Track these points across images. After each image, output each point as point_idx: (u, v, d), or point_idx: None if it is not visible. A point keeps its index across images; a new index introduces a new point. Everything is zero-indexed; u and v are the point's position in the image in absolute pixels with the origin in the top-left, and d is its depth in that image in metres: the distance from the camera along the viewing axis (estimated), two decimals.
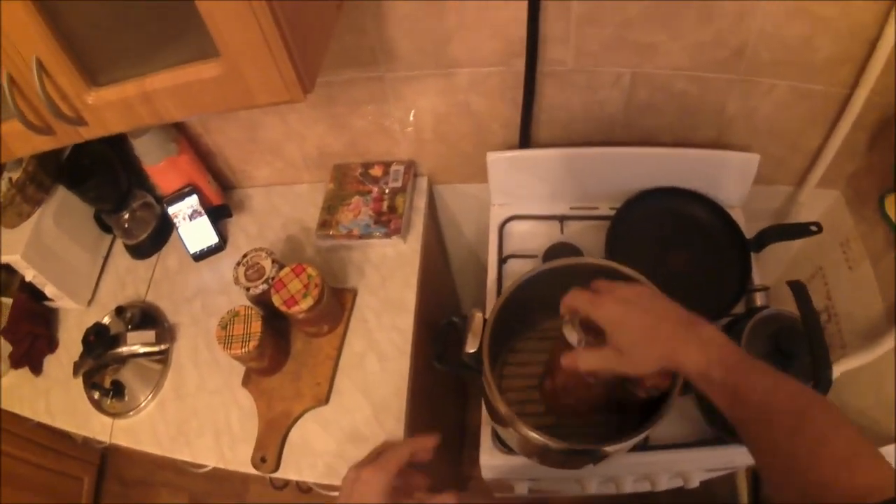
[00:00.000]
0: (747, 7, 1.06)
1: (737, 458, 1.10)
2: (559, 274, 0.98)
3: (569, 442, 0.85)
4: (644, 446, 1.07)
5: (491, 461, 1.09)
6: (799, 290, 0.97)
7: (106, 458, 2.46)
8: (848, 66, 1.13)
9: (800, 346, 0.96)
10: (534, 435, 0.86)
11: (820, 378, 0.89)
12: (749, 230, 1.28)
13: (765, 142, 1.31)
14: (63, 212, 1.42)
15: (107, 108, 0.84)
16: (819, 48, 1.11)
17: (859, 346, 1.21)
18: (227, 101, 0.81)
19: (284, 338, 1.25)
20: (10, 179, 1.34)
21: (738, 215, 1.32)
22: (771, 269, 1.67)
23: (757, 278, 1.24)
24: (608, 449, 0.87)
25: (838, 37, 1.09)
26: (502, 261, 1.31)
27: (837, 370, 1.23)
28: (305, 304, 1.12)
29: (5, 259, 1.36)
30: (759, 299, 1.16)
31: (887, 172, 1.18)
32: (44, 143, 0.92)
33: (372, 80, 1.25)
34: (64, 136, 0.90)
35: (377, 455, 0.82)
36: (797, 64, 1.15)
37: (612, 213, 1.28)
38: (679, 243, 1.26)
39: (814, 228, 1.22)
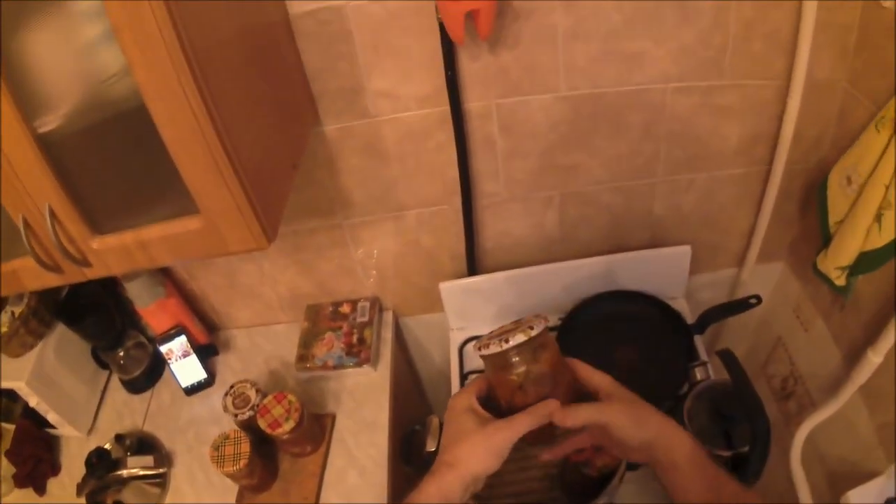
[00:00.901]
0: (652, 118, 1.20)
1: None
2: None
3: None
4: None
5: None
6: (726, 357, 1.10)
7: None
8: (761, 144, 1.25)
9: (736, 406, 1.07)
10: None
11: (757, 431, 1.00)
12: (695, 315, 1.38)
13: (697, 232, 1.43)
14: (63, 345, 1.52)
15: (109, 252, 0.96)
16: (728, 135, 1.24)
17: (825, 400, 1.28)
18: (207, 249, 0.94)
19: (272, 459, 1.36)
20: (13, 313, 1.46)
21: (680, 305, 1.44)
22: (735, 344, 1.77)
23: (705, 356, 1.33)
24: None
25: (744, 120, 1.21)
26: (464, 377, 1.44)
27: (809, 426, 1.32)
28: (288, 426, 1.24)
29: (11, 385, 1.45)
30: (700, 374, 1.24)
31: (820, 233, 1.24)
32: (52, 280, 1.02)
33: (332, 227, 1.38)
34: (71, 275, 1.01)
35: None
36: (712, 154, 1.27)
37: (559, 322, 1.40)
38: (626, 340, 1.36)
39: (753, 301, 1.32)
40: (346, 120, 1.19)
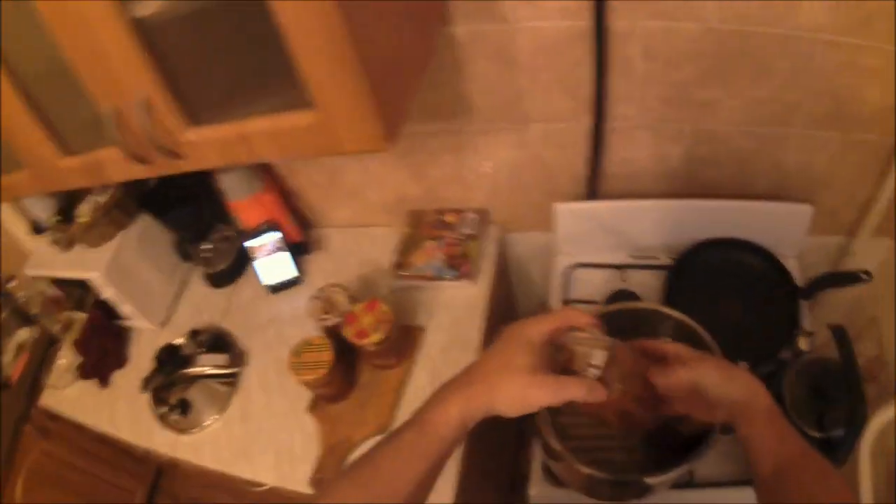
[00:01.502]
0: (800, 64, 1.11)
1: None
2: (619, 317, 1.03)
3: (614, 474, 0.91)
4: (689, 483, 1.09)
5: (540, 493, 1.14)
6: (840, 334, 1.03)
7: (160, 476, 2.51)
8: None
9: (837, 388, 1.02)
10: (582, 467, 0.91)
11: (855, 420, 0.95)
12: (804, 279, 1.32)
13: (820, 193, 1.35)
14: (145, 237, 1.51)
15: (206, 145, 0.92)
16: (868, 99, 1.15)
17: None
18: (318, 147, 0.88)
19: (353, 368, 1.32)
20: (97, 202, 1.45)
21: (792, 265, 1.36)
22: (828, 317, 1.71)
23: (807, 325, 1.27)
24: (650, 481, 0.90)
25: (885, 87, 1.12)
26: (565, 304, 1.37)
27: (885, 417, 1.23)
28: (376, 337, 1.20)
29: (86, 276, 1.45)
30: (804, 344, 1.18)
31: None
32: (141, 172, 0.99)
33: (451, 132, 1.33)
34: (162, 167, 0.97)
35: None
36: (848, 115, 1.19)
37: (671, 263, 1.34)
38: (733, 292, 1.30)
39: (864, 276, 1.24)
40: (481, 22, 1.12)
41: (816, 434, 1.02)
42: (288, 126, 0.86)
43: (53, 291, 1.65)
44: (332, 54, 0.75)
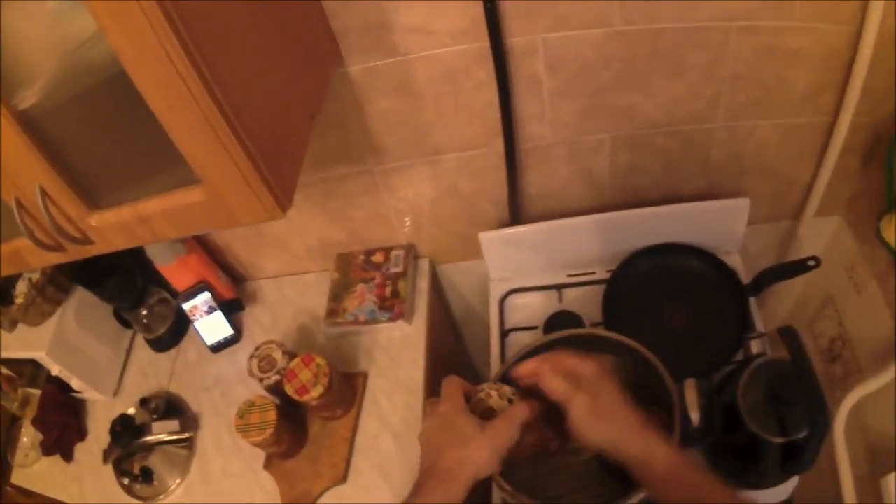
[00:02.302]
0: (714, 58, 1.08)
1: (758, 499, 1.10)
2: (558, 346, 1.00)
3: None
4: None
5: None
6: (789, 335, 0.96)
7: None
8: (828, 93, 1.14)
9: (795, 391, 0.96)
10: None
11: (816, 422, 0.89)
12: (750, 270, 1.28)
13: (756, 182, 1.32)
14: (83, 310, 1.48)
15: (109, 229, 0.89)
16: (795, 81, 1.12)
17: (875, 369, 1.19)
18: (213, 221, 0.86)
19: (301, 422, 1.29)
20: (31, 280, 1.42)
21: (735, 260, 1.33)
22: (781, 303, 1.66)
23: (759, 323, 1.24)
24: None
25: (812, 67, 1.10)
26: (504, 334, 1.34)
27: (856, 396, 1.22)
28: (316, 391, 1.16)
29: (31, 355, 1.42)
30: (755, 347, 1.14)
31: (883, 193, 1.18)
32: (56, 258, 0.96)
33: (363, 173, 1.29)
34: (73, 253, 0.95)
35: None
36: (776, 101, 1.16)
37: (607, 275, 1.30)
38: (676, 298, 1.27)
39: (811, 263, 1.21)
40: (374, 59, 1.08)
41: (780, 439, 0.95)
42: (181, 204, 0.84)
43: (6, 371, 1.62)
44: (204, 132, 0.72)
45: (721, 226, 1.30)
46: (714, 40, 1.06)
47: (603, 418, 0.79)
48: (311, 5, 0.99)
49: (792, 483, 1.07)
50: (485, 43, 1.03)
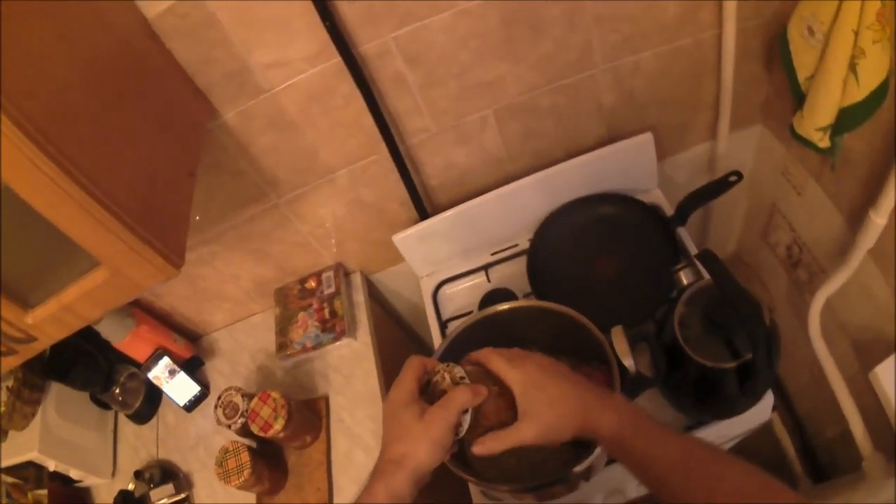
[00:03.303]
0: (572, 6, 1.11)
1: (731, 430, 1.12)
2: (487, 324, 1.03)
3: (532, 479, 0.89)
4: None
5: None
6: (705, 258, 0.96)
7: None
8: (704, 8, 1.16)
9: (730, 312, 0.95)
10: (503, 486, 0.91)
11: (756, 336, 0.89)
12: (675, 204, 1.28)
13: (658, 115, 1.34)
14: (62, 402, 1.54)
15: (44, 323, 0.94)
16: (665, 6, 1.15)
17: (835, 265, 1.20)
18: (123, 293, 0.92)
19: (277, 457, 1.36)
20: (7, 388, 1.47)
21: (656, 196, 1.35)
22: (730, 226, 1.69)
23: (693, 251, 1.24)
24: (576, 470, 0.87)
25: None
26: (443, 325, 1.37)
27: (822, 296, 1.25)
28: (279, 424, 1.23)
29: (26, 458, 1.49)
30: (686, 277, 1.16)
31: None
32: (14, 361, 1.01)
33: (270, 209, 1.34)
34: (25, 353, 0.99)
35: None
36: (651, 30, 1.18)
37: (529, 244, 1.33)
38: (603, 249, 1.29)
39: (733, 178, 1.21)
40: (243, 102, 1.14)
41: (729, 364, 0.95)
42: (92, 286, 0.90)
43: (11, 479, 1.69)
44: (85, 220, 0.78)
45: (631, 166, 1.31)
46: None
47: (542, 390, 0.80)
48: (171, 69, 1.05)
49: (766, 403, 1.08)
50: (338, 59, 1.08)
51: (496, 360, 0.84)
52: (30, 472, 1.63)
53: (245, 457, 1.25)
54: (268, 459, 1.31)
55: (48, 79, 0.78)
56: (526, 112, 1.27)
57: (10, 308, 0.91)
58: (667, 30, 1.19)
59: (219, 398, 1.33)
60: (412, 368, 0.84)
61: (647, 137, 1.28)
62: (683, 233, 1.28)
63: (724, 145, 1.41)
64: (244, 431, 1.31)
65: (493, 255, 1.42)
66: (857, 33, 0.90)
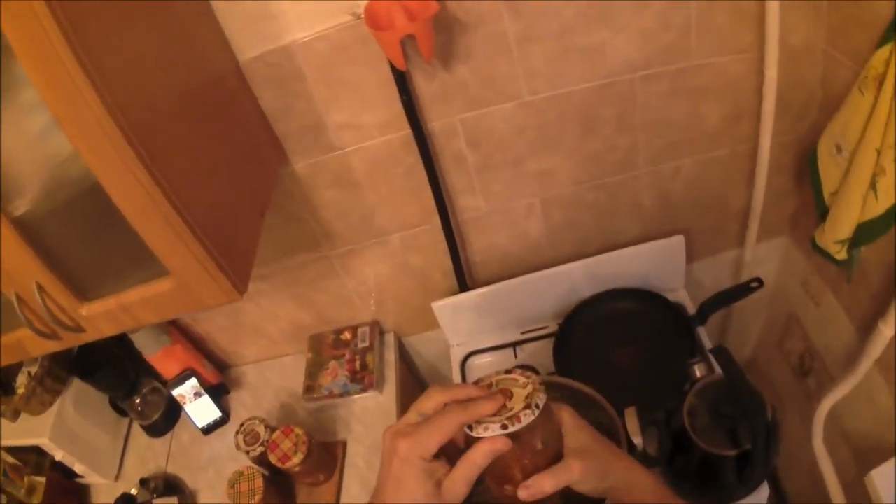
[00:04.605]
0: (623, 110, 1.23)
1: None
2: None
3: None
4: None
5: None
6: (718, 353, 1.09)
7: None
8: (743, 120, 1.27)
9: (735, 404, 1.07)
10: None
11: (757, 428, 1.00)
12: (697, 304, 1.39)
13: (690, 219, 1.46)
14: (81, 399, 1.64)
15: (97, 317, 1.04)
16: (707, 116, 1.26)
17: (844, 375, 1.29)
18: (183, 306, 1.01)
19: (288, 490, 1.45)
20: (30, 374, 1.57)
21: (681, 296, 1.47)
22: (749, 331, 1.79)
23: (709, 347, 1.34)
24: None
25: (721, 99, 1.23)
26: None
27: (829, 403, 1.35)
28: (297, 458, 1.33)
29: (35, 442, 1.58)
30: (699, 371, 1.24)
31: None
32: (53, 346, 1.10)
33: (321, 259, 1.47)
34: (69, 341, 1.09)
35: (419, 417, 0.71)
36: (693, 138, 1.29)
37: (557, 328, 1.45)
38: (625, 341, 1.40)
39: (754, 285, 1.33)
40: (315, 156, 1.27)
41: (730, 452, 1.07)
42: (155, 293, 0.99)
43: (12, 460, 1.75)
44: (166, 231, 0.88)
45: (661, 265, 1.44)
46: (620, 93, 1.20)
47: (586, 430, 0.74)
48: (254, 113, 1.17)
49: (762, 494, 1.16)
50: (407, 131, 1.20)
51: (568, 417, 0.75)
52: (31, 458, 1.71)
53: (259, 483, 1.35)
54: (277, 490, 1.41)
55: (148, 91, 0.88)
56: (570, 204, 1.39)
57: (68, 296, 1.01)
58: (708, 139, 1.30)
59: (242, 425, 1.44)
60: (447, 425, 0.68)
61: (679, 240, 1.40)
62: (702, 331, 1.40)
63: (750, 253, 1.51)
64: (260, 460, 1.42)
65: (522, 333, 1.54)
66: (879, 152, 0.97)
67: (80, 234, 0.99)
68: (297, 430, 1.38)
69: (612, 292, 1.46)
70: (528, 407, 0.68)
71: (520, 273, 1.48)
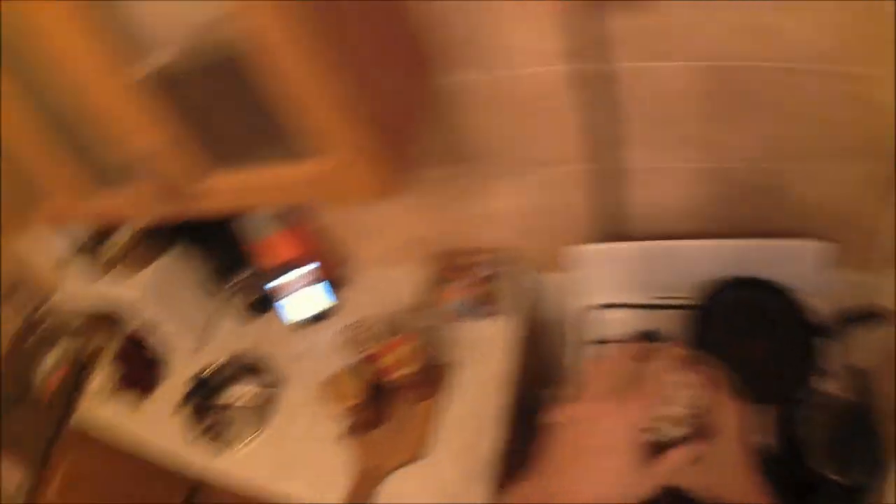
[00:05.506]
0: (807, 99, 1.19)
1: None
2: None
3: None
4: None
5: None
6: (856, 376, 1.11)
7: (194, 494, 2.68)
8: None
9: (855, 432, 1.07)
10: None
11: (871, 468, 1.00)
12: (832, 317, 1.34)
13: (845, 228, 1.40)
14: (179, 266, 1.69)
15: (223, 190, 1.05)
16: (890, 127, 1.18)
17: None
18: (325, 195, 1.02)
19: (385, 400, 1.47)
20: (131, 231, 1.63)
21: (816, 303, 1.41)
22: (862, 356, 1.76)
23: (834, 364, 1.30)
24: None
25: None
26: (586, 347, 1.49)
27: None
28: (406, 370, 1.35)
29: (122, 300, 1.63)
30: (821, 384, 1.24)
31: None
32: (168, 211, 1.13)
33: (466, 176, 1.46)
34: (183, 210, 1.11)
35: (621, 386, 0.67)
36: (870, 147, 1.23)
37: (693, 302, 1.43)
38: (754, 333, 1.38)
39: (882, 316, 1.29)
40: (482, 72, 1.25)
41: (838, 478, 1.05)
42: (294, 175, 0.98)
43: (90, 314, 1.84)
44: (333, 107, 0.86)
45: (804, 266, 1.40)
46: (806, 83, 1.15)
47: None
48: (425, 18, 1.15)
49: None
50: (583, 65, 1.18)
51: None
52: (108, 317, 1.80)
53: (358, 387, 1.37)
54: (375, 397, 1.43)
55: None
56: (729, 181, 1.36)
57: (198, 162, 1.01)
58: (886, 152, 1.21)
59: (352, 324, 1.47)
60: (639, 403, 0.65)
61: (827, 247, 1.37)
62: (835, 345, 1.34)
63: (886, 280, 1.41)
64: (363, 365, 1.44)
65: (655, 297, 1.52)
66: None
67: (223, 99, 0.98)
68: (414, 342, 1.39)
69: (753, 281, 1.43)
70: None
71: (660, 236, 1.47)
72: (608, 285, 1.57)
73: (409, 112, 1.08)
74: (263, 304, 1.76)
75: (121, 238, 1.67)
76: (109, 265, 1.70)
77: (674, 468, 0.65)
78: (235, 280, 1.74)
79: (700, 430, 0.68)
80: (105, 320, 1.87)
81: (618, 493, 0.63)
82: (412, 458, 1.41)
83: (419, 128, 1.11)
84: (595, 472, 0.64)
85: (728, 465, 0.71)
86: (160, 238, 1.69)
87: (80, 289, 1.74)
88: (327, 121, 0.88)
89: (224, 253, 1.71)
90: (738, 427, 0.71)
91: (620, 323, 1.53)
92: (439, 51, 1.22)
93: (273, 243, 1.64)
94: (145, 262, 1.68)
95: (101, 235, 1.69)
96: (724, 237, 1.45)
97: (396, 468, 1.41)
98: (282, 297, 1.68)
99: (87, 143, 1.13)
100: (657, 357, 0.69)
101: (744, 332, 1.41)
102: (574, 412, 0.68)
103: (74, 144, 1.15)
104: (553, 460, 0.68)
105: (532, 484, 0.70)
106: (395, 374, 1.39)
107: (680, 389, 0.68)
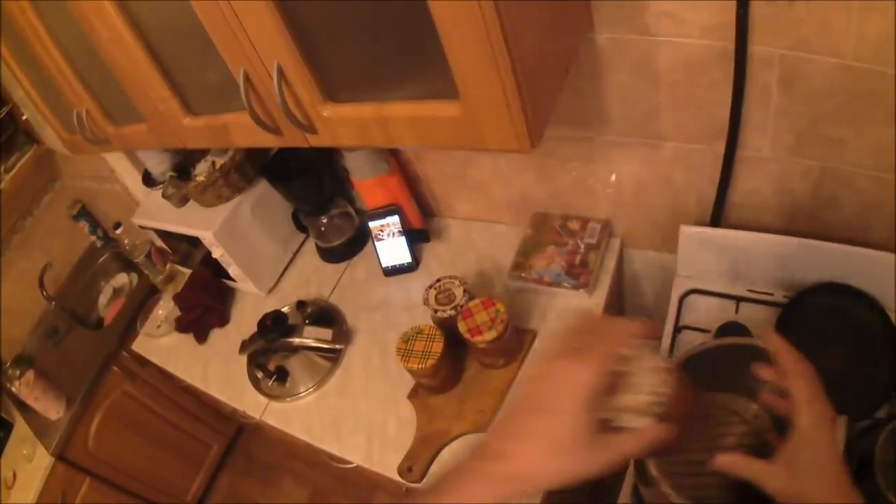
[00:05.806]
0: None
1: None
2: (728, 351, 1.08)
3: None
4: None
5: None
6: None
7: (240, 435, 2.71)
8: None
9: None
10: (673, 493, 0.90)
11: None
12: None
13: None
14: (261, 203, 1.66)
15: (341, 122, 1.00)
16: None
17: None
18: (458, 140, 0.95)
19: (459, 362, 1.45)
20: (214, 163, 1.60)
21: None
22: None
23: None
24: None
25: None
26: (677, 330, 1.50)
27: None
28: (489, 335, 1.32)
29: (198, 234, 1.61)
30: None
31: None
32: (267, 140, 1.08)
33: (583, 139, 1.45)
34: (290, 139, 1.06)
35: (576, 347, 0.69)
36: None
37: (784, 300, 1.44)
38: (839, 342, 1.39)
39: None
40: (622, 32, 1.24)
41: None
42: (430, 115, 0.94)
43: (160, 243, 1.86)
44: (483, 50, 0.82)
45: None
46: None
47: (817, 449, 0.73)
48: None
49: None
50: (729, 44, 1.17)
51: (803, 383, 0.77)
52: (182, 247, 1.80)
53: (439, 346, 1.34)
54: (450, 359, 1.40)
55: None
56: (842, 184, 1.34)
57: (312, 90, 0.96)
58: None
59: (438, 280, 1.45)
60: (606, 347, 0.68)
61: None
62: None
63: None
64: (444, 324, 1.41)
65: (748, 290, 1.52)
66: None
67: (356, 26, 0.92)
68: (499, 306, 1.36)
69: (847, 288, 1.43)
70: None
71: (763, 229, 1.46)
72: (705, 270, 1.55)
73: (554, 65, 1.05)
74: (346, 248, 1.75)
75: (204, 169, 1.66)
76: (187, 197, 1.70)
77: (627, 450, 0.66)
78: (322, 220, 1.71)
79: (663, 419, 0.69)
80: (177, 250, 1.89)
81: (554, 458, 0.63)
82: (477, 428, 1.39)
83: (562, 81, 1.08)
84: (532, 434, 0.65)
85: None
86: (244, 173, 1.68)
87: (156, 216, 1.75)
88: (473, 62, 0.85)
89: (309, 194, 1.69)
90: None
91: (711, 311, 1.52)
92: (589, 8, 1.20)
93: (369, 186, 1.62)
94: (226, 196, 1.67)
95: (186, 164, 1.69)
96: (824, 239, 1.43)
97: (460, 436, 1.39)
98: (374, 242, 1.66)
99: (189, 62, 1.11)
100: (616, 328, 0.71)
101: (829, 339, 1.41)
102: (533, 371, 0.71)
103: (175, 63, 1.13)
104: (501, 419, 0.69)
105: (482, 441, 0.70)
106: (476, 339, 1.35)
107: (647, 375, 0.70)
